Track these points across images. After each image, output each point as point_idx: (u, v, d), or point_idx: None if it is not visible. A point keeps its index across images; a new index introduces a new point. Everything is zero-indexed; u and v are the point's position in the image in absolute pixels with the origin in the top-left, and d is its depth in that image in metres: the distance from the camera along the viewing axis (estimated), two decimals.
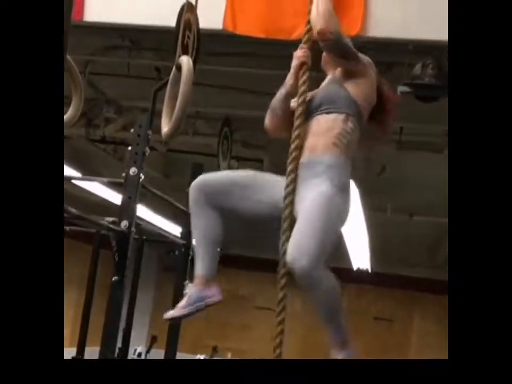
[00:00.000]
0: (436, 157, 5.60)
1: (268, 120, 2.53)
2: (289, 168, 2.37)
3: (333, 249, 2.33)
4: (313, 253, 2.16)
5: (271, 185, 2.44)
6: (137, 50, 4.95)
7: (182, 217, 6.04)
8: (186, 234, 5.86)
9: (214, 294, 2.39)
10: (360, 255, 8.97)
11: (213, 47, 4.35)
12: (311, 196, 2.29)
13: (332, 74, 2.57)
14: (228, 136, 5.60)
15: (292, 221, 2.32)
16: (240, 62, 4.74)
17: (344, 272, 9.90)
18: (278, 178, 2.46)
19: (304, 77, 2.44)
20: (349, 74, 2.47)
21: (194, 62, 3.82)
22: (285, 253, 2.26)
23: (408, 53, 4.13)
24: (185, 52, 3.79)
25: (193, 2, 3.71)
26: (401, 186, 6.93)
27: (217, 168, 5.76)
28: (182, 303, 2.39)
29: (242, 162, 6.28)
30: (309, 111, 2.44)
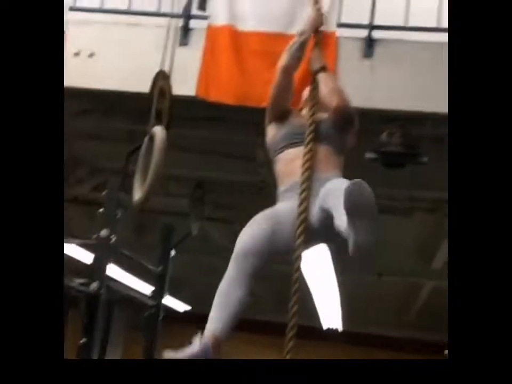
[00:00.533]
0: (403, 220, 5.72)
1: (285, 63, 2.80)
2: (302, 186, 2.56)
3: None
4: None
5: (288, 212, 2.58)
6: (111, 114, 5.04)
7: (152, 277, 6.04)
8: (157, 294, 5.83)
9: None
10: (330, 314, 8.98)
11: (185, 112, 4.45)
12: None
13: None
14: (200, 198, 5.66)
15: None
16: (212, 127, 4.85)
17: (315, 331, 9.95)
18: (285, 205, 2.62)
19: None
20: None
21: (168, 127, 3.93)
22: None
23: (375, 121, 4.28)
24: (159, 118, 3.89)
25: (167, 71, 3.84)
26: None
27: (189, 228, 5.82)
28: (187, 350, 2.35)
29: (214, 223, 6.34)
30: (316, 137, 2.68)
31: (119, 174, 4.48)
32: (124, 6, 4.32)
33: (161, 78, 3.84)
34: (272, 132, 2.84)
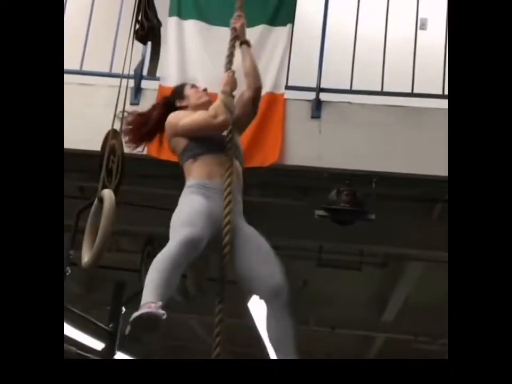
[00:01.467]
0: (354, 274, 5.80)
1: (224, 115, 2.82)
2: (227, 190, 2.70)
3: None
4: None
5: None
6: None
7: (103, 334, 5.93)
8: (108, 351, 5.73)
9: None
10: None
11: (137, 169, 4.48)
12: (254, 232, 2.77)
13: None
14: (151, 254, 5.64)
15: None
16: (163, 183, 4.88)
17: None
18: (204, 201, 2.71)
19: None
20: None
21: (118, 184, 3.93)
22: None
23: (323, 180, 4.38)
24: (109, 176, 3.90)
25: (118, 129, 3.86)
26: (323, 300, 7.08)
27: (141, 284, 5.74)
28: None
29: None
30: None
31: (69, 230, 4.45)
32: (76, 67, 4.35)
33: (112, 137, 3.86)
34: (183, 142, 2.88)
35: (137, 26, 1.89)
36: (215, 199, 2.71)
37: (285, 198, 4.89)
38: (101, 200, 2.86)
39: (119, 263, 6.05)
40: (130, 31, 2.06)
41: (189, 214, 2.64)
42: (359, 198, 4.38)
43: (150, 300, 2.33)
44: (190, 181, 2.81)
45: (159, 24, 1.88)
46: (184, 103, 3.01)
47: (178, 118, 2.89)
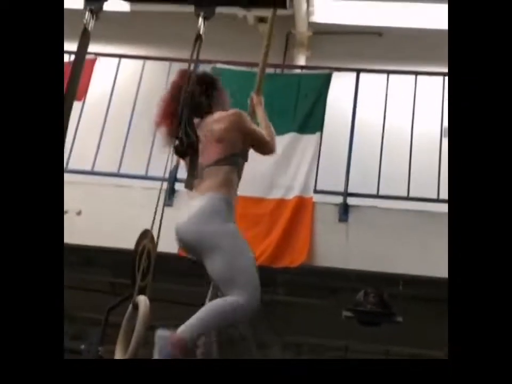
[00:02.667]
0: None
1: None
2: None
3: None
4: None
5: None
6: (92, 266, 5.16)
7: None
8: None
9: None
10: None
11: (169, 267, 4.58)
12: None
13: None
14: None
15: None
16: (193, 281, 4.96)
17: None
18: None
19: None
20: None
21: (149, 283, 4.03)
22: None
23: (351, 281, 4.44)
24: (143, 276, 4.00)
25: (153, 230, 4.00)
26: None
27: None
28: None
29: None
30: None
31: (98, 325, 4.52)
32: (114, 169, 4.57)
33: (146, 237, 3.99)
34: (240, 145, 2.89)
35: (177, 142, 2.04)
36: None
37: (313, 297, 4.93)
38: (135, 307, 2.94)
39: (146, 357, 6.05)
40: (170, 148, 2.21)
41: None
42: (386, 300, 4.42)
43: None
44: (221, 193, 2.75)
45: (197, 140, 2.02)
46: (214, 101, 3.02)
47: (248, 119, 2.97)
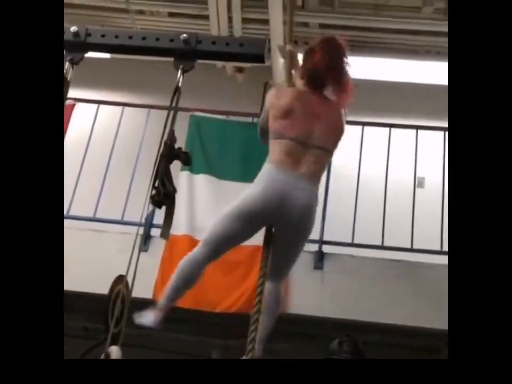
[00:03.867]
0: None
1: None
2: None
3: None
4: None
5: None
6: (67, 311, 5.08)
7: None
8: None
9: None
10: None
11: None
12: None
13: None
14: None
15: None
16: (167, 326, 4.92)
17: None
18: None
19: None
20: None
21: (122, 328, 3.98)
22: None
23: (325, 329, 4.44)
24: (117, 321, 3.97)
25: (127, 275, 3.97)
26: None
27: None
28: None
29: None
30: None
31: None
32: (90, 213, 4.56)
33: (121, 283, 3.97)
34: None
35: (154, 191, 2.06)
36: None
37: (286, 344, 4.91)
38: (107, 356, 2.91)
39: None
40: (147, 195, 2.24)
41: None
42: (360, 348, 4.40)
43: None
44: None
45: (174, 191, 2.05)
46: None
47: None
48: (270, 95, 2.91)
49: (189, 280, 2.97)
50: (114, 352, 2.79)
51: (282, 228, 2.79)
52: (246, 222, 2.78)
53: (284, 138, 2.75)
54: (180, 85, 1.82)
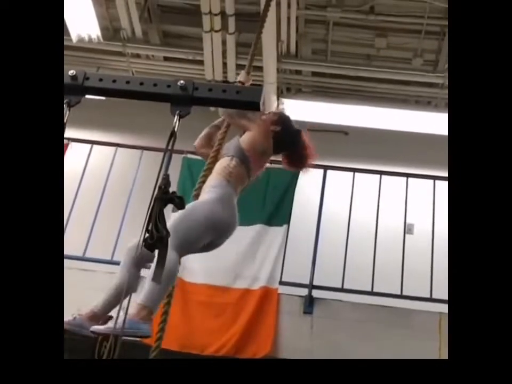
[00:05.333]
0: None
1: (196, 142, 3.33)
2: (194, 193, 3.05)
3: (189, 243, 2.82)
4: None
5: None
6: None
7: None
8: None
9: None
10: None
11: (128, 354, 4.50)
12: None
13: None
14: None
15: None
16: None
17: None
18: None
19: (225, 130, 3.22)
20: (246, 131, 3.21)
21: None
22: None
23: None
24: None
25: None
26: None
27: None
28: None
29: None
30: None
31: None
32: (79, 252, 4.56)
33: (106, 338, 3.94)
34: None
35: (147, 235, 2.06)
36: None
37: None
38: None
39: None
40: (139, 239, 2.25)
41: None
42: None
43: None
44: None
45: (167, 235, 2.05)
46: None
47: None
48: (271, 120, 3.24)
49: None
50: None
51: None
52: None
53: (249, 177, 3.14)
54: (176, 130, 1.85)
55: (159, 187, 1.79)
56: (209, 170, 3.12)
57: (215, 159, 3.16)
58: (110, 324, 2.70)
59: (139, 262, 2.91)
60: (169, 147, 1.76)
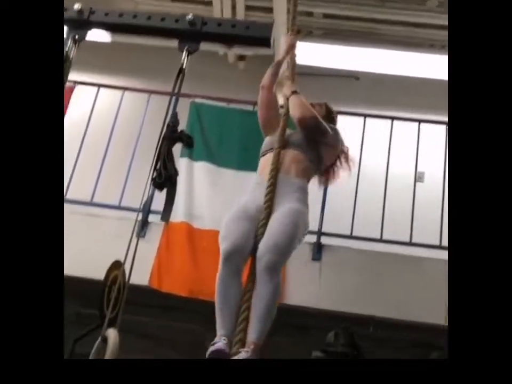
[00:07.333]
0: None
1: (264, 81, 3.32)
2: (269, 182, 2.93)
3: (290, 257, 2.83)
4: (279, 251, 2.68)
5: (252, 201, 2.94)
6: None
7: None
8: None
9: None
10: None
11: (137, 299, 4.51)
12: (286, 208, 2.83)
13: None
14: None
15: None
16: (163, 315, 4.90)
17: None
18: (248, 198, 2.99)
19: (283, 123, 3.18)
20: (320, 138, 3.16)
21: (117, 314, 3.96)
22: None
23: (322, 321, 4.41)
24: (109, 305, 3.93)
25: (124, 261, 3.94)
26: None
27: None
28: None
29: None
30: (287, 143, 3.11)
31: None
32: (87, 198, 4.52)
33: (117, 268, 3.93)
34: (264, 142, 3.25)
35: (155, 174, 2.02)
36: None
37: (283, 336, 4.88)
38: (104, 340, 2.87)
39: None
40: (148, 178, 2.20)
41: (225, 225, 2.90)
42: (356, 341, 4.38)
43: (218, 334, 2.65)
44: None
45: (176, 173, 2.01)
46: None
47: None
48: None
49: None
50: (112, 335, 2.74)
51: None
52: None
53: None
54: (184, 67, 1.78)
55: (168, 125, 1.74)
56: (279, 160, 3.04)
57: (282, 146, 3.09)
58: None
59: (240, 270, 2.85)
60: (178, 84, 1.70)
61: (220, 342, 2.65)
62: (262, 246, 2.75)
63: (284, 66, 3.47)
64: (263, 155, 3.17)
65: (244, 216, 2.90)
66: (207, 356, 2.62)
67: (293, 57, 3.48)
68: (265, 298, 2.69)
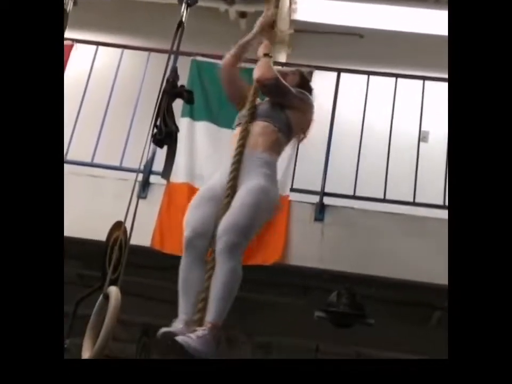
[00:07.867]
0: None
1: (225, 57, 3.27)
2: (234, 159, 2.87)
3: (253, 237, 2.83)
4: (239, 232, 2.64)
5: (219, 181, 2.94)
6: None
7: None
8: None
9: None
10: None
11: (139, 260, 4.50)
12: (250, 185, 2.80)
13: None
14: (146, 344, 5.57)
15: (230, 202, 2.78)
16: (162, 275, 4.89)
17: None
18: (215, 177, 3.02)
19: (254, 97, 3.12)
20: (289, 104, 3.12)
21: (119, 275, 3.95)
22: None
23: (324, 281, 4.41)
24: (114, 268, 3.93)
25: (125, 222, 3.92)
26: None
27: None
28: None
29: None
30: (255, 114, 3.08)
31: (66, 317, 4.43)
32: (87, 158, 4.47)
33: (118, 229, 3.91)
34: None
35: (155, 130, 1.97)
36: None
37: (285, 296, 4.89)
38: (106, 298, 2.86)
39: (114, 353, 5.97)
40: (148, 134, 2.15)
41: (189, 208, 2.92)
42: (358, 301, 4.39)
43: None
44: None
45: (176, 129, 1.96)
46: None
47: None
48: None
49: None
50: (114, 293, 2.74)
51: None
52: None
53: None
54: (184, 20, 1.71)
55: (167, 80, 1.68)
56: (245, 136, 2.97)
57: (250, 120, 3.03)
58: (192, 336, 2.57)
59: (203, 254, 2.82)
60: (177, 38, 1.64)
61: (177, 326, 2.69)
62: (222, 225, 2.73)
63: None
64: (236, 127, 3.14)
65: (208, 196, 2.91)
66: (158, 335, 2.68)
67: (270, 36, 3.33)
68: (222, 280, 2.67)
